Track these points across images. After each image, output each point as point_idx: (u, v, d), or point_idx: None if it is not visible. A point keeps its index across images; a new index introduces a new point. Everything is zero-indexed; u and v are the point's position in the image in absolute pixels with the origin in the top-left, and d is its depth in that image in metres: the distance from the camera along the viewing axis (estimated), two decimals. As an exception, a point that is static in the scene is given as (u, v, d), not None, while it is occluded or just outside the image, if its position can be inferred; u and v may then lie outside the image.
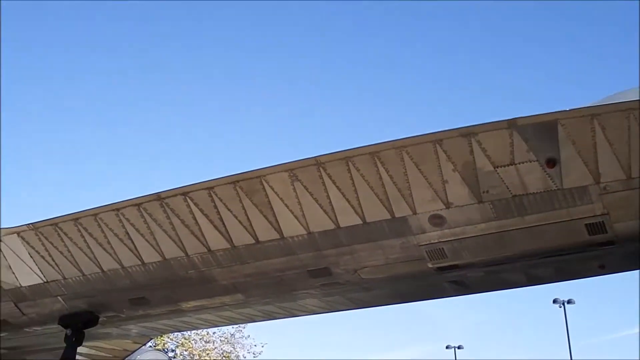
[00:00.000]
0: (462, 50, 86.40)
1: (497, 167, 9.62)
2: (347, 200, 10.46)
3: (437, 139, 9.55)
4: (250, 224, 11.19)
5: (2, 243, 12.90)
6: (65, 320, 14.46)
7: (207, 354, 49.03)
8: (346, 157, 10.04)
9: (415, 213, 10.41)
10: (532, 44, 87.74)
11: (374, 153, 9.88)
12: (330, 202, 10.54)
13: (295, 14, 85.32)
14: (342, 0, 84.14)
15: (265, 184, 10.61)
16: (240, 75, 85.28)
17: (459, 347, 62.95)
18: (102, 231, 12.01)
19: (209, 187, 10.91)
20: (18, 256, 13.03)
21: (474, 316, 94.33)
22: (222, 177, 10.80)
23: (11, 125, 76.47)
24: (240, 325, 46.40)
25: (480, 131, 9.35)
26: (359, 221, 10.72)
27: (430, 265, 11.77)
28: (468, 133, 9.39)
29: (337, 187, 10.33)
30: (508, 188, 9.85)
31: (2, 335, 15.69)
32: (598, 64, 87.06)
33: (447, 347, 63.23)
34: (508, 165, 9.56)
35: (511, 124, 9.13)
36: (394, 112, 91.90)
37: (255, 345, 52.61)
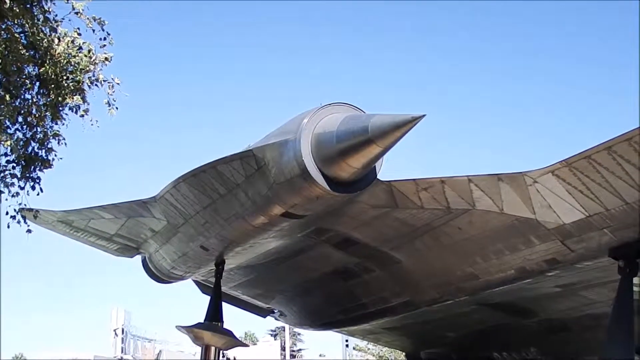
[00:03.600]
0: None
1: None
2: None
3: None
4: None
5: (538, 184, 13.02)
6: (615, 252, 13.99)
7: None
8: None
9: None
10: None
11: None
12: None
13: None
14: None
15: None
16: None
17: None
18: (640, 155, 11.24)
19: None
20: (556, 194, 13.03)
21: None
22: None
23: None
24: None
25: None
26: None
27: None
28: None
29: None
30: None
31: (553, 274, 15.97)
32: None
33: None
34: None
35: None
36: None
37: None
